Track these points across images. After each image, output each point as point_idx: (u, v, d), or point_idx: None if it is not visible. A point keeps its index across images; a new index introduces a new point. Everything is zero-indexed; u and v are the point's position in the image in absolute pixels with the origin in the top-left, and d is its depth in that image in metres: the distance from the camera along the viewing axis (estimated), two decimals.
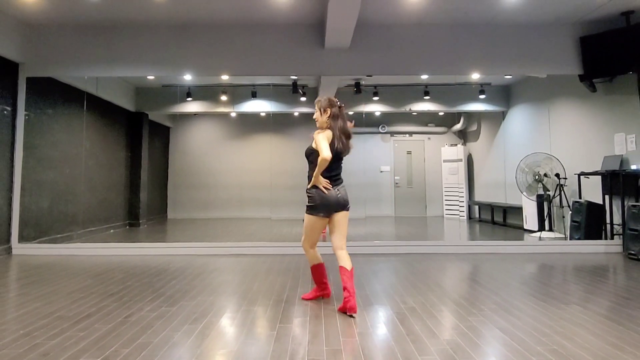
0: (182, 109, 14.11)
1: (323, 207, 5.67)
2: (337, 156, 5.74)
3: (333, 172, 5.75)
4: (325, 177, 5.68)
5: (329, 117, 5.80)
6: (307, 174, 5.88)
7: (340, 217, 5.81)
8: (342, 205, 5.78)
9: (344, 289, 5.44)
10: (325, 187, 5.63)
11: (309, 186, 5.73)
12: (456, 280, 7.18)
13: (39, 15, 9.75)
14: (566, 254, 9.71)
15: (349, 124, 5.97)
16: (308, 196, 5.73)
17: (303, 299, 5.96)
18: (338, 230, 5.82)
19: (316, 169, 5.55)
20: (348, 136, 5.84)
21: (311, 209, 5.72)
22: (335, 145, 5.68)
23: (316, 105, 5.91)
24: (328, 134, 5.70)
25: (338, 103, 5.87)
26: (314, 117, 5.94)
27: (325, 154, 5.41)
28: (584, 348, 4.19)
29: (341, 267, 5.59)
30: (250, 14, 9.85)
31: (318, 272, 5.95)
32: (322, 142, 5.55)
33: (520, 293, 6.30)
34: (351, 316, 5.28)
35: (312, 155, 5.76)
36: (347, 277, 5.50)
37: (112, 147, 13.40)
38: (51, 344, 4.30)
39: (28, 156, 10.14)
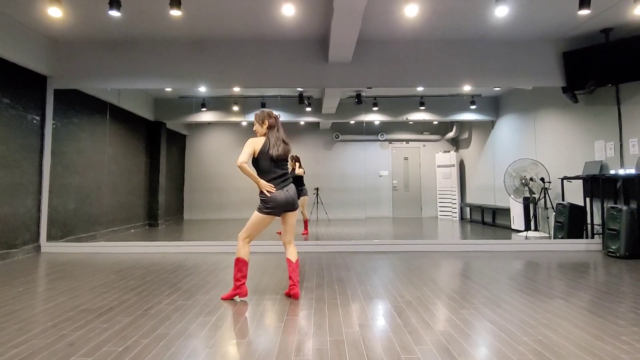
0: (197, 118, 14.10)
1: (276, 207, 5.77)
2: (277, 160, 5.84)
3: (278, 173, 5.86)
4: (271, 179, 5.81)
5: (267, 127, 5.93)
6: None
7: (290, 216, 5.99)
8: (292, 205, 5.90)
9: (290, 277, 5.86)
10: (268, 190, 5.72)
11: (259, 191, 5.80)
12: (449, 276, 7.17)
13: (65, 32, 9.77)
14: (550, 252, 9.70)
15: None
16: (261, 199, 5.79)
17: (223, 299, 5.81)
18: (290, 228, 6.04)
19: (253, 175, 5.74)
20: (286, 143, 5.97)
21: (264, 208, 5.76)
22: (270, 151, 5.77)
23: (255, 119, 6.03)
24: (258, 141, 5.86)
25: (275, 114, 6.03)
26: (254, 129, 6.04)
27: (239, 160, 5.56)
28: (567, 338, 4.19)
29: (288, 259, 5.95)
30: (260, 30, 9.86)
31: (243, 268, 5.81)
32: (244, 148, 5.74)
33: (508, 288, 6.30)
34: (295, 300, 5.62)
35: (253, 162, 5.89)
36: (292, 269, 5.87)
37: (133, 153, 13.40)
38: (77, 335, 4.31)
39: (55, 162, 10.16)
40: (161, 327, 4.57)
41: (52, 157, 10.11)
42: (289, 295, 5.87)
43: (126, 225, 12.75)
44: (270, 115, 5.97)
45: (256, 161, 5.85)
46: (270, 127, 5.92)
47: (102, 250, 9.94)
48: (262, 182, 5.74)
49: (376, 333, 4.38)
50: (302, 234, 12.03)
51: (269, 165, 5.80)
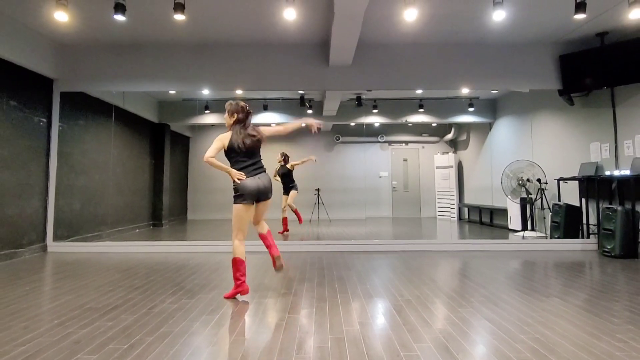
0: (200, 120, 14.09)
1: (248, 194, 5.77)
2: (245, 151, 5.88)
3: (248, 162, 5.89)
4: (242, 167, 5.85)
5: (234, 120, 5.97)
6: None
7: (262, 206, 6.08)
8: (265, 193, 5.95)
9: (269, 247, 6.16)
10: (239, 178, 5.75)
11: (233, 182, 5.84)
12: (448, 275, 7.17)
13: (71, 35, 9.78)
14: (547, 252, 9.70)
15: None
16: (233, 188, 5.83)
17: (225, 297, 5.79)
18: (260, 217, 6.17)
19: (222, 166, 5.73)
20: (253, 135, 5.97)
21: (238, 198, 5.80)
22: (235, 145, 5.82)
23: (226, 107, 6.07)
24: (225, 136, 5.92)
25: (247, 109, 6.05)
26: (224, 117, 6.09)
27: (205, 155, 5.65)
28: (563, 337, 4.18)
29: (260, 234, 6.20)
30: (262, 34, 9.86)
31: (241, 267, 5.78)
32: (213, 144, 5.82)
33: (506, 287, 6.29)
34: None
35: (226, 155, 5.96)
36: (268, 242, 6.19)
37: (137, 155, 13.41)
38: (82, 333, 4.31)
39: (61, 163, 10.17)
40: (165, 325, 4.57)
41: (58, 158, 10.12)
42: (277, 260, 6.14)
43: (131, 225, 12.75)
44: (243, 110, 6.01)
45: (227, 154, 5.92)
46: (237, 122, 5.98)
47: (107, 250, 9.95)
48: (233, 170, 5.79)
49: (376, 331, 4.37)
50: (279, 233, 12.04)
51: (238, 156, 5.87)
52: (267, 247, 6.13)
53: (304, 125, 6.53)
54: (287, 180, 12.41)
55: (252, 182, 5.78)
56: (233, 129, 5.93)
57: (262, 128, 6.12)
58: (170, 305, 5.36)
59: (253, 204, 5.88)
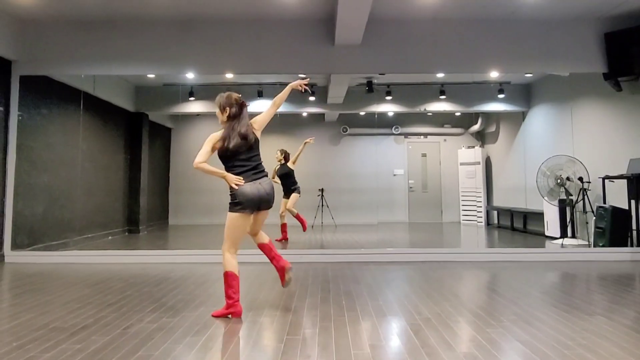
0: (184, 109, 14.14)
1: (248, 202, 5.72)
2: (237, 152, 5.82)
3: (248, 166, 5.85)
4: (241, 171, 5.79)
5: (228, 116, 5.91)
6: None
7: (263, 215, 6.13)
8: (267, 201, 5.92)
9: (273, 259, 6.27)
10: (237, 183, 5.70)
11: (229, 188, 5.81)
12: (473, 290, 7.18)
13: (33, 10, 9.78)
14: (590, 262, 9.69)
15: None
16: (230, 194, 5.79)
17: (213, 316, 5.75)
18: (259, 227, 6.26)
19: (217, 171, 5.70)
20: (244, 137, 5.84)
21: (235, 206, 5.74)
22: (227, 144, 5.75)
23: (216, 103, 6.00)
24: (217, 135, 5.86)
25: (240, 101, 5.97)
26: (216, 114, 6.03)
27: (195, 161, 5.58)
28: None
29: (260, 245, 6.31)
30: (256, 9, 9.87)
31: (233, 282, 5.74)
32: (203, 146, 5.77)
33: (541, 303, 6.30)
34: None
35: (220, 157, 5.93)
36: (271, 251, 6.31)
37: (111, 149, 13.44)
38: (45, 357, 4.31)
39: (21, 159, 10.17)
40: (143, 347, 4.56)
41: (17, 153, 10.11)
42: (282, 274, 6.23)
43: (103, 232, 12.78)
44: (236, 102, 5.94)
45: (221, 157, 5.89)
46: (231, 117, 5.91)
47: (76, 260, 9.93)
48: (229, 175, 5.74)
49: (390, 355, 4.38)
50: (277, 240, 12.05)
51: (234, 159, 5.83)
52: (272, 258, 6.16)
53: (290, 91, 6.50)
54: (288, 181, 12.41)
55: (252, 189, 5.73)
56: (227, 127, 5.89)
57: (252, 120, 6.08)
58: (148, 324, 5.36)
59: (252, 213, 5.87)
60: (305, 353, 4.41)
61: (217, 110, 5.97)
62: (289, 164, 12.34)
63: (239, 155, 5.80)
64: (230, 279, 5.72)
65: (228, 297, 5.72)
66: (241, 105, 5.95)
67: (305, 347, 4.57)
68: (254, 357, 4.34)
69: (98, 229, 12.55)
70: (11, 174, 10.01)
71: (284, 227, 12.41)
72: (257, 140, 6.00)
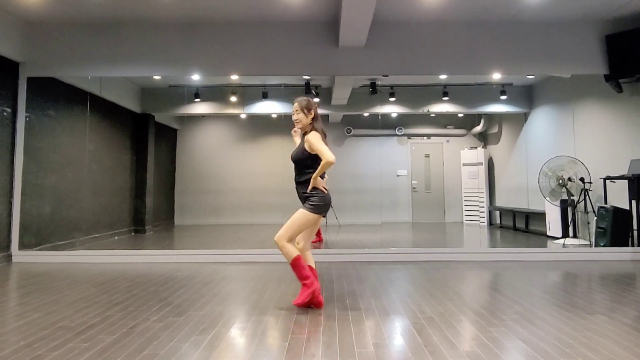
0: (189, 110, 14.15)
1: (325, 207, 6.00)
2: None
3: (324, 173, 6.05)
4: (322, 176, 6.01)
5: (312, 118, 6.11)
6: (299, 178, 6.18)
7: (320, 220, 6.27)
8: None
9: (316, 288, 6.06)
10: (325, 188, 5.94)
11: (309, 189, 5.94)
12: (476, 289, 7.18)
13: (40, 12, 9.79)
14: (591, 262, 9.68)
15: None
16: (313, 196, 5.94)
17: (295, 305, 5.96)
18: (313, 231, 6.34)
19: (317, 171, 5.82)
20: (325, 136, 6.11)
21: (316, 209, 5.93)
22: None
23: (297, 105, 6.13)
24: (319, 136, 5.98)
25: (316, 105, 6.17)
26: (296, 118, 6.14)
27: (332, 157, 5.70)
28: None
29: (310, 267, 6.19)
30: (261, 11, 9.87)
31: (304, 264, 5.99)
32: (323, 145, 5.85)
33: (543, 302, 6.29)
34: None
35: (308, 159, 6.02)
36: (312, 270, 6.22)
37: (117, 150, 13.45)
38: (53, 356, 4.31)
39: (29, 160, 10.18)
40: (149, 346, 4.57)
41: (24, 154, 10.12)
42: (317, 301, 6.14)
43: (109, 232, 12.78)
44: (314, 105, 6.16)
45: (309, 159, 6.02)
46: (315, 118, 6.11)
47: (82, 260, 9.95)
48: (320, 179, 5.94)
49: (393, 354, 4.38)
50: (312, 242, 11.99)
51: (317, 162, 5.93)
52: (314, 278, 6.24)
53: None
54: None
55: (329, 196, 6.06)
56: (318, 127, 6.08)
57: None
58: (154, 323, 5.37)
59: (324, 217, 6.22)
60: (309, 352, 4.41)
61: (299, 115, 6.11)
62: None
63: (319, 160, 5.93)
64: (299, 262, 5.96)
65: (305, 277, 5.95)
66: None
67: (309, 346, 4.57)
68: (259, 355, 4.34)
69: (104, 229, 12.56)
70: (19, 175, 10.01)
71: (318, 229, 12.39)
72: None
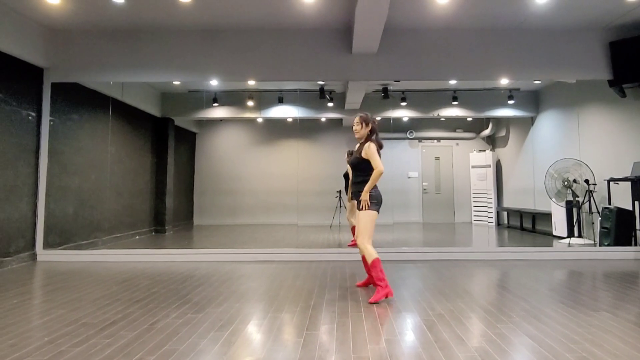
0: (208, 114, 14.15)
1: (380, 203, 6.68)
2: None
3: None
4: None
5: (370, 130, 6.89)
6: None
7: None
8: None
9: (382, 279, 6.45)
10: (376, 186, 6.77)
11: (365, 195, 6.57)
12: (484, 287, 7.16)
13: (64, 20, 9.83)
14: (595, 261, 9.66)
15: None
16: (372, 195, 6.60)
17: (371, 302, 6.20)
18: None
19: (370, 182, 6.54)
20: (381, 148, 6.82)
21: (377, 205, 6.63)
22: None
23: (358, 118, 6.95)
24: (375, 147, 6.69)
25: (376, 120, 7.01)
26: (355, 128, 6.98)
27: (382, 167, 6.50)
28: (613, 355, 4.16)
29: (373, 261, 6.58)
30: (277, 19, 9.88)
31: (380, 267, 6.43)
32: (377, 156, 6.60)
33: (549, 300, 6.27)
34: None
35: (362, 164, 6.74)
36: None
37: (138, 152, 13.46)
38: (76, 351, 4.33)
39: (53, 162, 10.22)
40: (169, 342, 4.59)
41: (49, 156, 10.16)
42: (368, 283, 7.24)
43: (130, 232, 12.79)
44: (373, 120, 6.94)
45: (366, 162, 6.71)
46: (372, 132, 6.88)
47: (104, 259, 10.00)
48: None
49: (405, 349, 4.38)
50: (349, 245, 11.88)
51: (370, 166, 6.66)
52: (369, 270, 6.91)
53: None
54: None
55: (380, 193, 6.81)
56: (376, 139, 6.84)
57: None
58: (174, 320, 5.38)
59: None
60: (324, 347, 4.41)
61: (359, 127, 6.95)
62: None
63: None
64: (379, 264, 6.45)
65: (381, 279, 6.34)
66: (375, 122, 7.00)
67: (323, 342, 4.58)
68: (275, 351, 4.34)
69: (126, 229, 12.56)
70: (43, 177, 10.05)
71: (354, 229, 12.29)
72: None
